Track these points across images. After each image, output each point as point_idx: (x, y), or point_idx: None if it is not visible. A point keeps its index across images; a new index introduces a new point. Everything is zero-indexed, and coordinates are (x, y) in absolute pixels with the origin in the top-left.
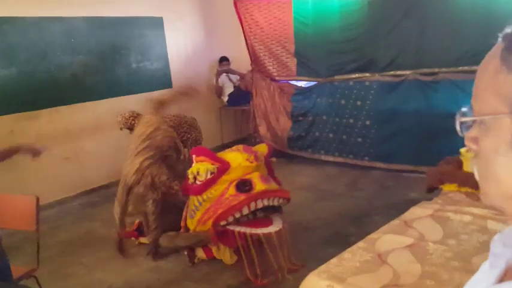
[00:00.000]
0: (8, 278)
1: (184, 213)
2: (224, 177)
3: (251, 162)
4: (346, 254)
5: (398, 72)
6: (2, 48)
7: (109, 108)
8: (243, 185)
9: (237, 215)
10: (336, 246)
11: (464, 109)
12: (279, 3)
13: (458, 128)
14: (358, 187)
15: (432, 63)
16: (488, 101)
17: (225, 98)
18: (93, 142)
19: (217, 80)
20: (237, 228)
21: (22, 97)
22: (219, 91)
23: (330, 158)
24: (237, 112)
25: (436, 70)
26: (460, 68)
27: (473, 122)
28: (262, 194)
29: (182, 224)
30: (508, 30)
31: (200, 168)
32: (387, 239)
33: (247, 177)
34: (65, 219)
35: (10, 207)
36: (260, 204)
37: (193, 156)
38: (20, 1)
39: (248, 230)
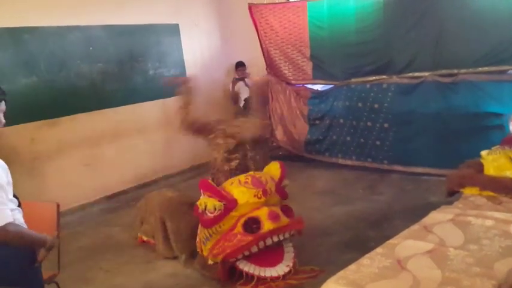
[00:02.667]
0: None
1: (198, 234)
2: (232, 214)
3: (259, 198)
4: (365, 260)
5: (416, 74)
6: (23, 57)
7: (128, 115)
8: (251, 223)
9: (246, 253)
10: (355, 251)
11: None
12: (294, 8)
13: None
14: (377, 191)
15: (451, 64)
16: None
17: (241, 103)
18: (112, 148)
19: (233, 87)
20: (246, 268)
21: (43, 105)
22: (235, 98)
23: (348, 162)
24: None
25: (455, 71)
26: (480, 69)
27: None
28: (271, 233)
29: (198, 245)
30: None
31: (208, 203)
32: (407, 244)
33: (255, 214)
34: (85, 225)
35: (31, 214)
36: (269, 242)
37: (201, 189)
38: (39, 11)
39: (256, 272)
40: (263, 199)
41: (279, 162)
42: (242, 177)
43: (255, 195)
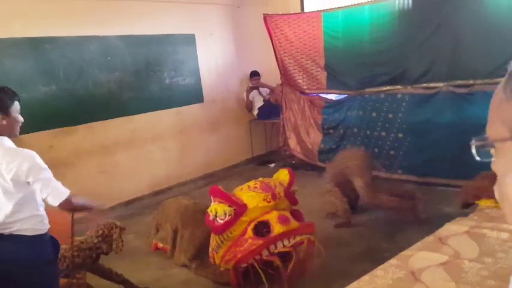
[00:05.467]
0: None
1: (210, 243)
2: (242, 218)
3: (268, 202)
4: (379, 271)
5: (431, 85)
6: (43, 66)
7: (143, 123)
8: (261, 227)
9: (257, 257)
10: (369, 262)
11: (483, 135)
12: (309, 18)
13: (474, 152)
14: None
15: (467, 74)
16: (496, 127)
17: (255, 112)
18: (128, 156)
19: (247, 96)
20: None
21: (61, 113)
22: (249, 106)
23: None
24: (266, 125)
25: (471, 82)
26: (497, 80)
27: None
28: (281, 236)
29: (210, 255)
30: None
31: (218, 209)
32: (421, 256)
33: (265, 218)
34: None
35: None
36: (280, 245)
37: (211, 196)
38: (59, 22)
39: (265, 255)
40: (272, 203)
41: (287, 169)
42: (251, 182)
43: (264, 199)
